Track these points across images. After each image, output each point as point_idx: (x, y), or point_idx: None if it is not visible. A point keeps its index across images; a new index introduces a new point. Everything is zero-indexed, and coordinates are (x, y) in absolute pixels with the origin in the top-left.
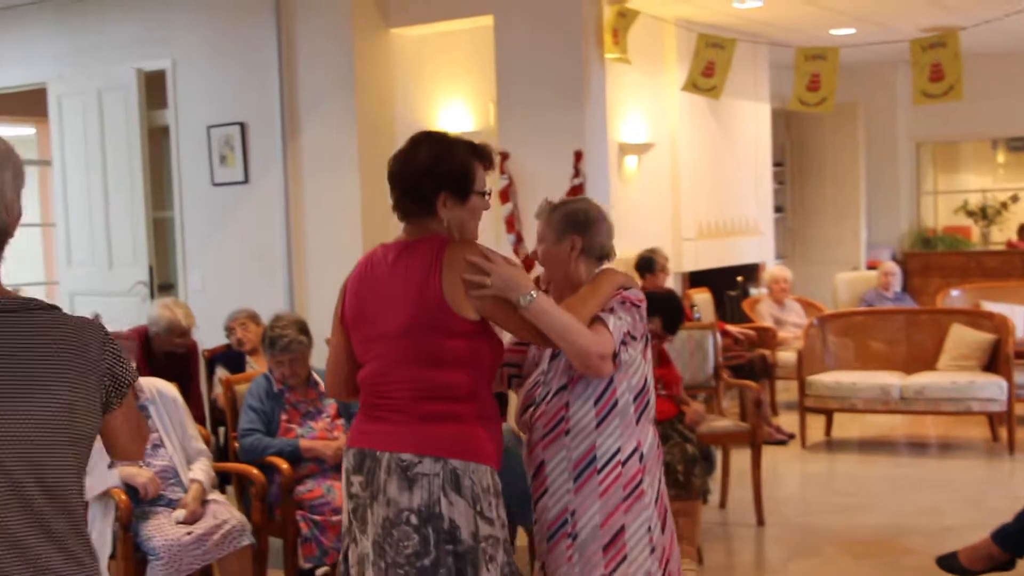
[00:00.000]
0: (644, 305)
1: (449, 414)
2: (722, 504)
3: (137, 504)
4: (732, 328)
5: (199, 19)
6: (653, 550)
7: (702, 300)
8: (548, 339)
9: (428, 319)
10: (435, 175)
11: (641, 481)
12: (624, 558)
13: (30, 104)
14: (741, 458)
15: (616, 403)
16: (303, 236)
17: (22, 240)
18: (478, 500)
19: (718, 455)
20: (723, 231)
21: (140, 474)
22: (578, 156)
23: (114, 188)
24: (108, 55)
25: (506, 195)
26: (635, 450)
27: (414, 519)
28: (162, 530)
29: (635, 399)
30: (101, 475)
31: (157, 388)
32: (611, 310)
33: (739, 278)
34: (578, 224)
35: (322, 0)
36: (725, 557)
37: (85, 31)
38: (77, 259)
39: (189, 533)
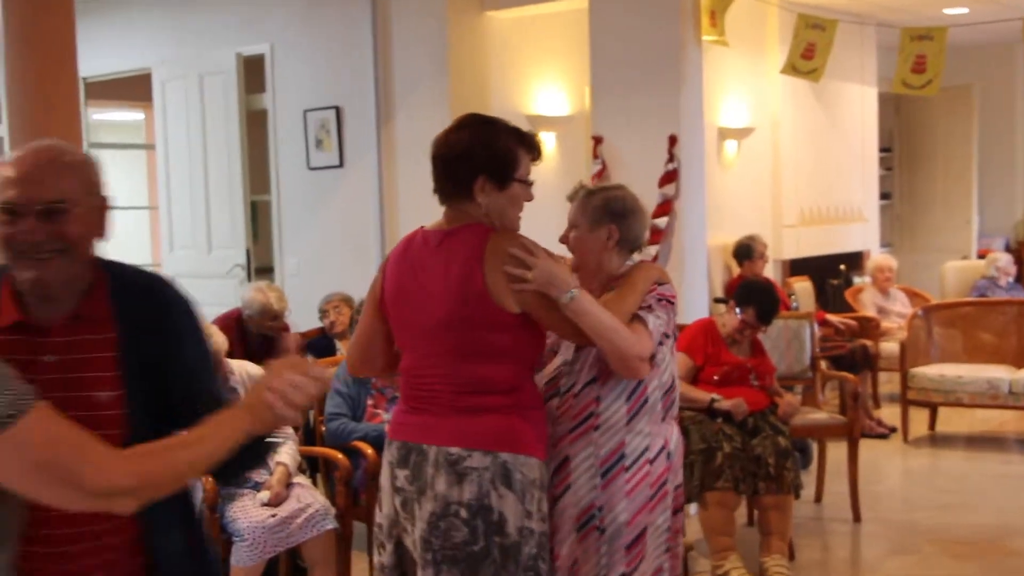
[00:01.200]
0: (676, 302)
1: (492, 406)
2: (817, 499)
3: (223, 486)
4: (833, 317)
5: (297, 4)
6: (668, 548)
7: (802, 288)
8: (588, 337)
9: (469, 311)
10: (474, 158)
11: (666, 481)
12: (643, 557)
13: (139, 89)
14: (839, 451)
15: (647, 400)
16: (396, 220)
17: (131, 223)
18: (526, 493)
19: (814, 448)
20: (826, 218)
21: None
22: (672, 141)
23: (214, 171)
24: (209, 40)
25: (599, 180)
26: (662, 448)
27: (464, 512)
28: (246, 512)
29: (663, 396)
30: None
31: (247, 370)
32: (649, 308)
33: (842, 266)
34: (616, 213)
35: None
36: (819, 553)
37: (188, 17)
38: (179, 241)
39: (273, 516)
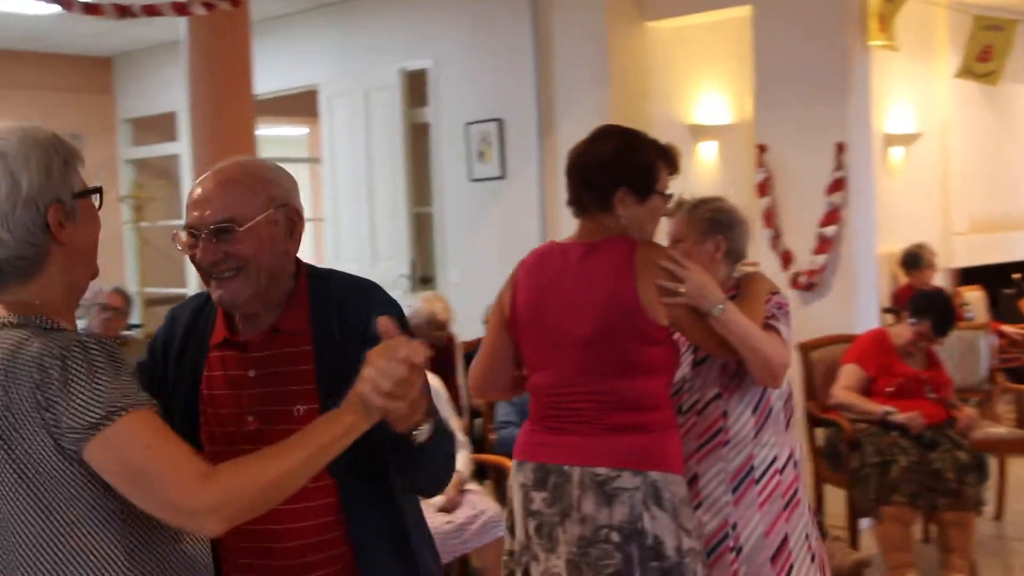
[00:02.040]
0: (790, 311)
1: (640, 424)
2: (997, 516)
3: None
4: (1008, 328)
5: (459, 19)
6: (813, 557)
7: (974, 298)
8: (731, 350)
9: (619, 324)
10: (616, 168)
11: (798, 489)
12: (791, 567)
13: (305, 105)
14: (1019, 467)
15: (771, 410)
16: (558, 230)
17: None
18: (678, 512)
19: (992, 463)
20: (999, 224)
21: None
22: (840, 148)
23: (379, 185)
24: (374, 57)
25: (764, 189)
26: (789, 457)
27: (615, 536)
28: None
29: (783, 405)
30: None
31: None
32: (774, 317)
33: (1016, 275)
34: (723, 224)
35: None
36: (1002, 573)
37: (353, 35)
38: (345, 253)
39: (449, 522)
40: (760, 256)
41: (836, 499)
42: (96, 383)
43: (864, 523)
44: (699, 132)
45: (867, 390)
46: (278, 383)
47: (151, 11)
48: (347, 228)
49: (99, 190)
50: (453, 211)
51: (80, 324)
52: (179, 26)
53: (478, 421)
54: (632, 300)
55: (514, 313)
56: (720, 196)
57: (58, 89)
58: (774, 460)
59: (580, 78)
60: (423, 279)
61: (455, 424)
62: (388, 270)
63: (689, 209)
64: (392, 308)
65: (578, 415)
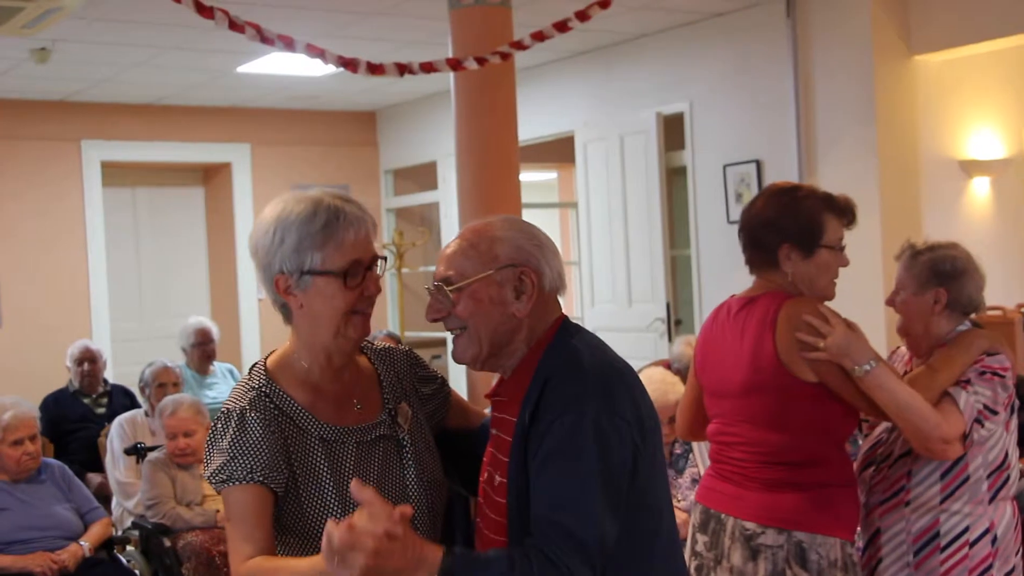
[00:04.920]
0: (1010, 373)
1: (793, 481)
2: None
3: None
4: None
5: (716, 61)
6: None
7: None
8: (885, 414)
9: (763, 378)
10: (777, 226)
11: (991, 567)
12: None
13: (554, 151)
14: None
15: (967, 479)
16: None
17: None
18: (823, 575)
19: None
20: None
21: None
22: None
23: (634, 228)
24: (630, 101)
25: None
26: (986, 531)
27: None
28: None
29: (990, 476)
30: None
31: None
32: (966, 383)
33: None
34: (944, 275)
35: (840, 32)
36: None
37: (610, 81)
38: (599, 296)
39: None
40: None
41: None
42: (228, 450)
43: None
44: (971, 168)
45: None
46: (498, 449)
47: (427, 68)
48: (601, 271)
49: (336, 272)
50: (710, 254)
51: None
52: (442, 80)
53: None
54: (771, 355)
55: (694, 363)
56: (953, 243)
57: (329, 143)
58: (964, 531)
59: (844, 117)
60: (677, 322)
61: None
62: (643, 313)
63: (910, 256)
64: (564, 412)
65: (737, 465)
